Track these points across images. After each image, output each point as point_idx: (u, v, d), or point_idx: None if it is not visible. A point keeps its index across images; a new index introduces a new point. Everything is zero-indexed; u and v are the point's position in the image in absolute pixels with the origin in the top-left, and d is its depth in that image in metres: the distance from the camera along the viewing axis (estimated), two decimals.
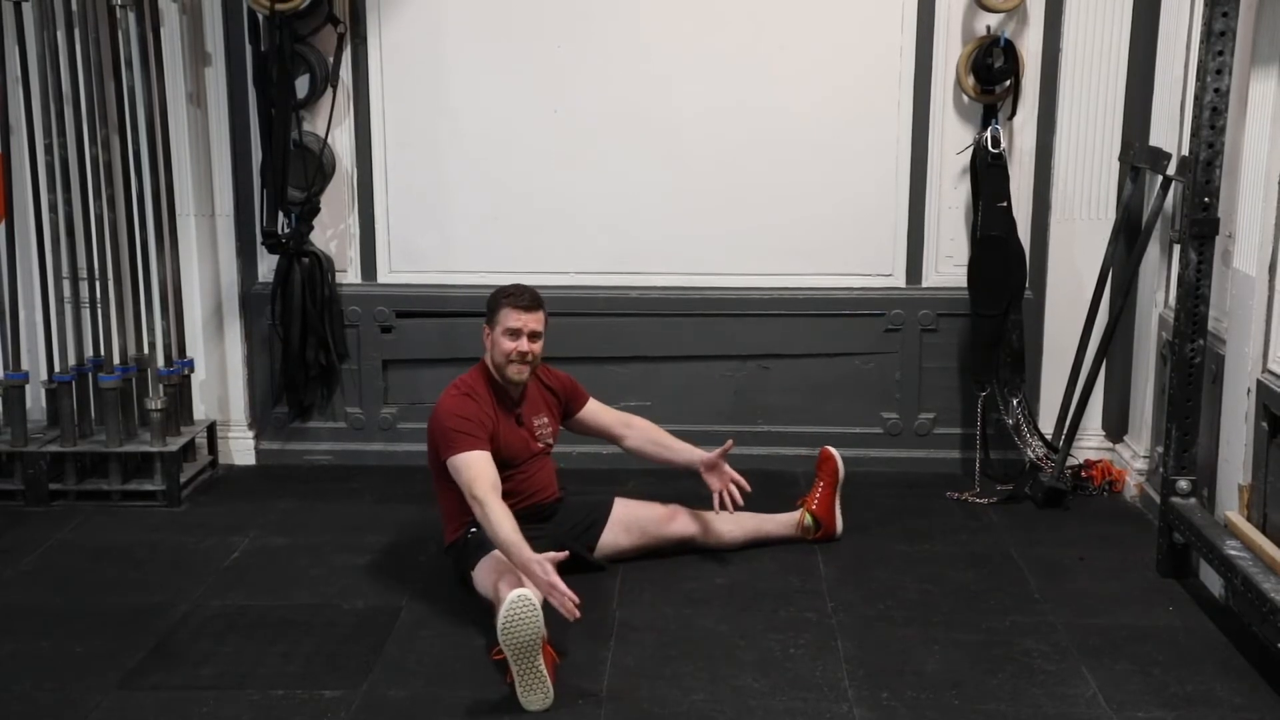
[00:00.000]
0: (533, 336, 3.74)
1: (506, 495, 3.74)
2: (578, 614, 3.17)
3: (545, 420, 3.92)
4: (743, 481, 3.93)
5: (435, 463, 3.73)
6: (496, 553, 3.49)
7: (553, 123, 4.77)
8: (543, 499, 3.87)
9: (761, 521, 4.09)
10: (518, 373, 3.75)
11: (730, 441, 4.00)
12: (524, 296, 3.76)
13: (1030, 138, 4.70)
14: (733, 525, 4.03)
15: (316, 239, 4.81)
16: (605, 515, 3.95)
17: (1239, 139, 3.69)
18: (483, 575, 3.52)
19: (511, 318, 3.72)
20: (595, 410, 4.07)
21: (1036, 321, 4.77)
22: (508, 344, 3.72)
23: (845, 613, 3.63)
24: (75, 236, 4.48)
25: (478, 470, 3.53)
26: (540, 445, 3.90)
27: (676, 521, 3.98)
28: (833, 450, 4.16)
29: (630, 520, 3.94)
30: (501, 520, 3.37)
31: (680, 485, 4.58)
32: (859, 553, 4.05)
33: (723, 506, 3.92)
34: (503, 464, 3.75)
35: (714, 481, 3.95)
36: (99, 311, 4.54)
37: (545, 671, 3.07)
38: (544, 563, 3.21)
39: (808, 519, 4.10)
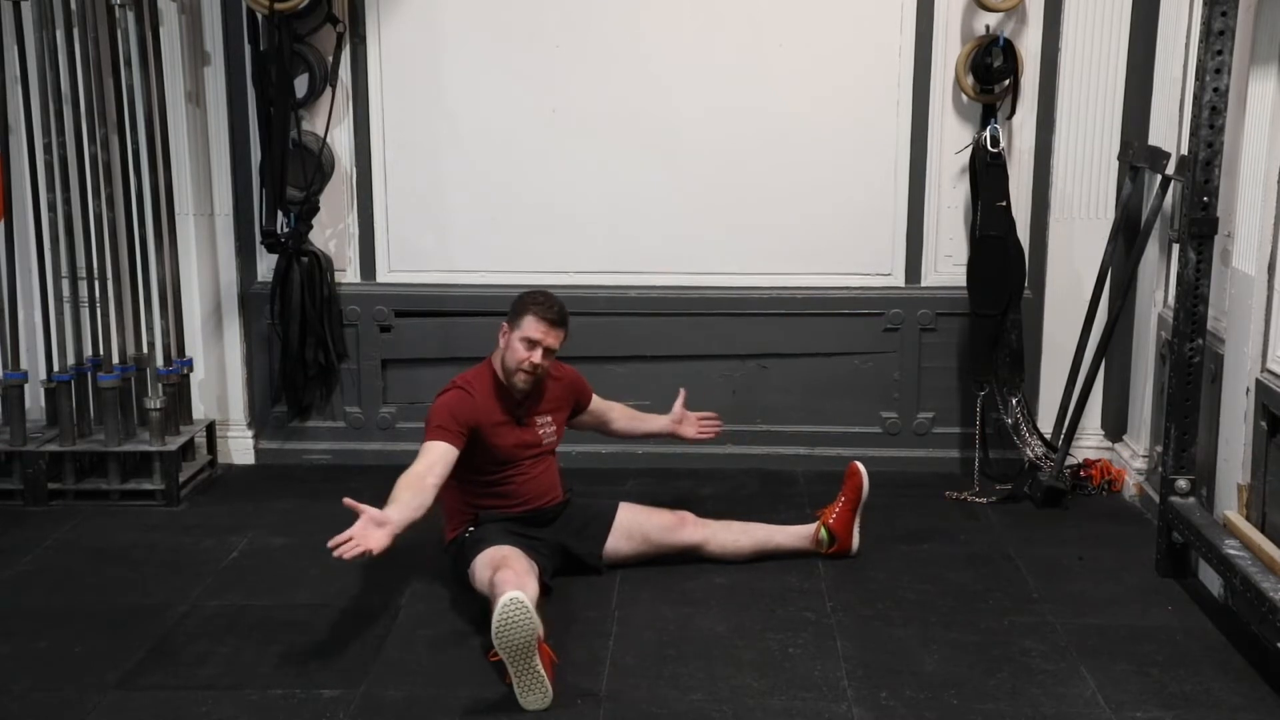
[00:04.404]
0: (547, 352, 3.71)
1: (507, 497, 3.78)
2: (348, 555, 3.19)
3: (550, 419, 3.89)
4: (712, 418, 4.22)
5: None
6: (492, 548, 3.51)
7: (552, 123, 4.77)
8: (546, 502, 3.85)
9: (771, 533, 4.00)
10: (523, 381, 3.72)
11: (683, 391, 4.20)
12: (552, 309, 3.72)
13: (1029, 137, 4.69)
14: (740, 534, 3.96)
15: (315, 238, 4.80)
16: (610, 521, 3.90)
17: (1238, 138, 3.69)
18: (478, 570, 3.52)
19: (534, 328, 3.68)
20: (595, 405, 4.10)
21: (1035, 321, 4.77)
22: (522, 352, 3.69)
23: (844, 612, 3.63)
24: (74, 236, 4.48)
25: (422, 460, 3.56)
26: (545, 444, 3.87)
27: (683, 530, 3.91)
28: (860, 467, 4.02)
29: (635, 527, 3.89)
30: (396, 494, 3.44)
31: (679, 486, 4.60)
32: (857, 552, 4.05)
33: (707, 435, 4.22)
34: (500, 463, 3.76)
35: (688, 431, 4.19)
36: (98, 311, 4.53)
37: (543, 671, 3.07)
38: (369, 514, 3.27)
39: (823, 533, 3.97)
